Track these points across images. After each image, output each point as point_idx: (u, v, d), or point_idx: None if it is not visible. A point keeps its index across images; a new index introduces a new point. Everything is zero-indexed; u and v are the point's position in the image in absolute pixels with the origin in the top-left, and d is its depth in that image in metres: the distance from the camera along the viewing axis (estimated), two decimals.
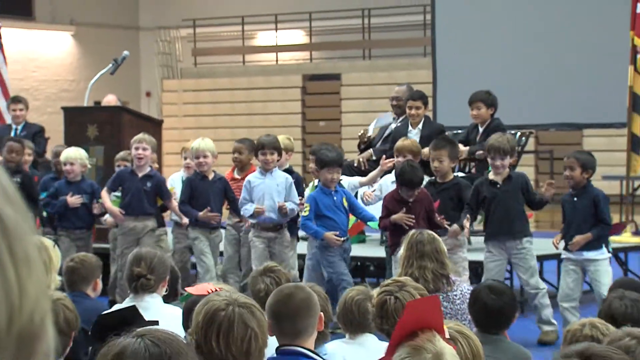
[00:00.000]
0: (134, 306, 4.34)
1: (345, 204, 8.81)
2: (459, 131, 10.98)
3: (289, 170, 9.64)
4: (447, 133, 10.74)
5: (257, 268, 6.35)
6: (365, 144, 11.03)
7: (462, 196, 8.60)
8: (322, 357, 4.16)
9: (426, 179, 9.65)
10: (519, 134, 11.68)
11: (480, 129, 10.23)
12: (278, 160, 9.18)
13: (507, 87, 12.75)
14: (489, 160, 8.65)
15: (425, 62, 18.43)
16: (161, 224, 9.82)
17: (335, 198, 8.79)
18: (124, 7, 25.16)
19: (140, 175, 9.53)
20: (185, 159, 10.28)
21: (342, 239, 8.73)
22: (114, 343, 2.54)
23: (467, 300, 5.82)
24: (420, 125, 10.44)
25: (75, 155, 9.83)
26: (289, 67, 23.31)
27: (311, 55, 23.78)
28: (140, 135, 9.59)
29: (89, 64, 22.89)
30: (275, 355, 4.23)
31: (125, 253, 8.95)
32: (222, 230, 9.82)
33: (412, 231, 6.33)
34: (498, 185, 8.51)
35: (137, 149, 9.50)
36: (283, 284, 5.43)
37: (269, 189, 9.07)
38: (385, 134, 11.01)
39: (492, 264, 8.56)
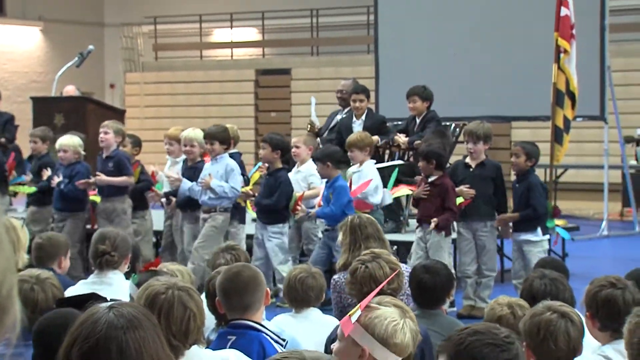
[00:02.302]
0: (93, 293, 4.29)
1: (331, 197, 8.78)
2: (399, 122, 11.02)
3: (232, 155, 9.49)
4: (388, 124, 10.79)
5: (219, 245, 6.29)
6: (314, 134, 11.05)
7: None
8: (268, 329, 4.17)
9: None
10: (453, 125, 11.76)
11: (418, 120, 10.30)
12: (227, 149, 9.07)
13: (443, 82, 12.81)
14: (465, 144, 8.74)
15: (369, 58, 18.45)
16: (143, 205, 9.78)
17: (324, 192, 8.87)
18: (90, 4, 24.89)
19: (104, 156, 9.52)
20: (167, 144, 10.06)
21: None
22: (88, 310, 2.50)
23: (405, 278, 5.87)
24: (363, 117, 10.50)
25: (68, 143, 9.71)
26: (243, 62, 23.23)
27: (264, 51, 23.72)
28: (106, 122, 9.57)
29: (56, 57, 22.62)
30: (222, 329, 4.23)
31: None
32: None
33: (349, 216, 6.33)
34: (471, 169, 8.56)
35: (100, 133, 9.47)
36: (242, 261, 5.44)
37: (213, 175, 8.99)
38: (332, 125, 11.06)
39: (463, 243, 8.62)
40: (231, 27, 23.34)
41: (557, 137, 9.84)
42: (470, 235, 8.57)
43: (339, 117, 11.03)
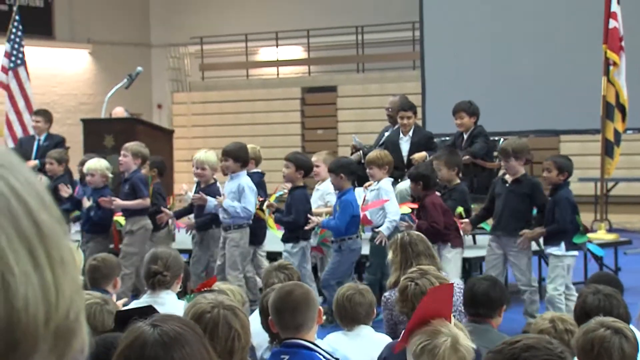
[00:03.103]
0: (150, 305, 4.34)
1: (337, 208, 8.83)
2: (447, 138, 10.98)
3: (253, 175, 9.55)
4: (435, 140, 10.76)
5: (272, 264, 6.31)
6: (357, 150, 11.08)
7: (460, 198, 8.66)
8: (321, 348, 4.16)
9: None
10: (501, 140, 11.69)
11: (465, 136, 10.26)
12: (243, 167, 9.05)
13: (490, 97, 12.76)
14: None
15: (414, 74, 18.43)
16: (156, 227, 9.82)
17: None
18: (137, 26, 25.16)
19: (123, 179, 9.65)
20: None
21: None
22: (132, 329, 2.53)
23: (456, 294, 5.84)
24: (410, 133, 10.48)
25: (95, 166, 9.79)
26: (289, 80, 23.31)
27: (309, 69, 23.79)
28: (127, 144, 9.66)
29: (105, 79, 22.89)
30: (275, 348, 4.23)
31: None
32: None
33: (399, 234, 6.32)
34: (507, 184, 8.53)
35: (120, 155, 9.66)
36: (295, 279, 5.45)
37: (228, 192, 9.06)
38: (381, 142, 11.07)
39: (491, 257, 8.58)
40: (277, 45, 23.44)
41: (608, 150, 9.75)
42: (501, 251, 8.53)
43: (387, 133, 11.04)
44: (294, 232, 8.94)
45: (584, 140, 16.79)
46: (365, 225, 8.97)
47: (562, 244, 8.27)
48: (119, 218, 9.92)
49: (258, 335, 4.61)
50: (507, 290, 5.35)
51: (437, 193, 8.71)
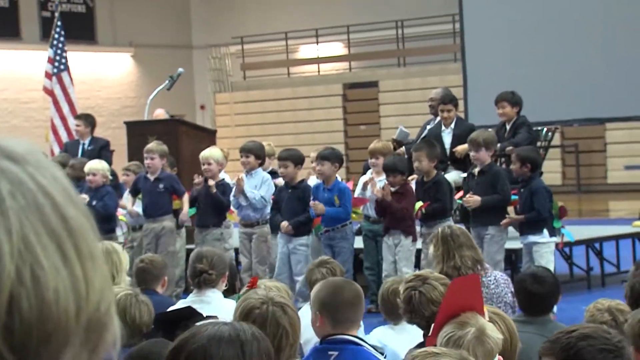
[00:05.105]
0: (189, 306, 4.36)
1: (337, 201, 8.89)
2: (489, 129, 10.91)
3: (273, 173, 9.84)
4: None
5: (313, 261, 6.37)
6: (400, 145, 11.08)
7: (439, 190, 8.67)
8: (368, 344, 4.15)
9: (461, 174, 9.65)
10: (545, 129, 11.60)
11: (507, 127, 10.19)
12: (261, 164, 9.42)
13: (533, 87, 12.66)
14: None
15: (456, 67, 18.35)
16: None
17: (325, 194, 8.96)
18: (178, 28, 25.32)
19: (152, 178, 9.71)
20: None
21: (325, 228, 8.93)
22: (199, 329, 2.54)
23: (501, 285, 5.80)
24: (452, 125, 10.44)
25: (97, 167, 10.07)
26: (330, 77, 23.33)
27: (350, 65, 23.78)
28: (149, 146, 9.86)
29: (147, 82, 23.06)
30: (321, 344, 4.21)
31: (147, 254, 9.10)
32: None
33: (440, 228, 6.30)
34: (475, 177, 8.63)
35: (146, 158, 9.79)
36: (338, 275, 5.44)
37: (248, 189, 9.28)
38: (423, 135, 11.03)
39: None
40: (317, 42, 23.46)
41: None
42: (478, 241, 8.56)
43: (429, 126, 11.00)
44: (306, 225, 9.08)
45: (630, 127, 16.62)
46: (359, 205, 9.23)
47: (545, 231, 8.38)
48: (122, 217, 10.20)
49: (307, 330, 4.60)
50: (559, 282, 5.30)
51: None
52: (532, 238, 8.42)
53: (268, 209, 9.37)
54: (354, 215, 9.31)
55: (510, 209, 8.96)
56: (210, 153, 9.70)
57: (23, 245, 0.78)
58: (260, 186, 9.31)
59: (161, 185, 9.74)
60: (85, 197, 9.73)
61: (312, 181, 9.73)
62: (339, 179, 9.30)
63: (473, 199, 8.46)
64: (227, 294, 5.62)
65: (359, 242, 9.42)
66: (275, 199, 9.30)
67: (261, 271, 9.06)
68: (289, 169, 9.17)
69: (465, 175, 9.40)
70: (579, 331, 2.70)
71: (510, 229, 8.81)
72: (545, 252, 8.34)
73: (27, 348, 0.77)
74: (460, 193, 9.11)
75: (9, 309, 0.76)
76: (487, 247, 8.41)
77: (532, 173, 8.49)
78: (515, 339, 3.57)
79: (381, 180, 9.26)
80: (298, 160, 9.26)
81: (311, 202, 8.91)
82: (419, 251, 8.81)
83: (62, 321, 0.78)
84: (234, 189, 9.45)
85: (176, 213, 9.99)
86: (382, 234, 9.00)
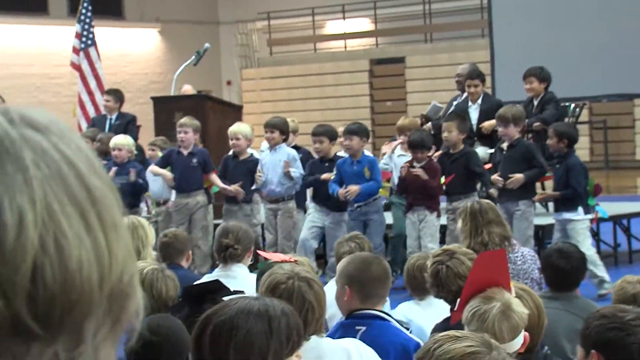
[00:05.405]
0: (217, 280, 4.38)
1: (367, 173, 8.86)
2: (517, 105, 10.85)
3: (295, 147, 9.92)
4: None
5: (343, 235, 6.41)
6: (427, 121, 11.06)
7: (469, 164, 8.62)
8: (394, 319, 4.15)
9: (488, 150, 9.62)
10: (573, 105, 11.53)
11: (535, 102, 10.13)
12: (285, 140, 9.46)
13: (561, 62, 12.56)
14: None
15: (483, 42, 18.23)
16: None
17: (354, 167, 8.87)
18: (205, 4, 25.31)
19: (185, 153, 9.72)
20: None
21: (356, 203, 8.89)
22: (229, 302, 2.56)
23: (528, 262, 5.79)
24: (479, 101, 10.41)
25: (122, 142, 10.05)
26: (356, 52, 23.26)
27: (377, 41, 23.70)
28: (182, 120, 9.85)
29: (174, 58, 23.09)
30: (348, 319, 4.21)
31: (179, 229, 9.10)
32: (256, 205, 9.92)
33: (468, 203, 6.29)
34: (503, 152, 8.57)
35: (179, 132, 9.75)
36: (366, 250, 5.44)
37: (273, 164, 9.33)
38: (450, 111, 11.00)
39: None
40: (344, 18, 23.39)
41: None
42: (506, 216, 8.52)
43: (456, 102, 10.96)
44: (340, 200, 9.13)
45: None
46: (383, 179, 9.29)
47: (580, 209, 8.32)
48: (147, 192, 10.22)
49: (332, 305, 4.60)
50: (585, 257, 5.27)
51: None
52: (566, 215, 8.38)
53: (298, 186, 9.44)
54: (381, 190, 9.31)
55: (538, 184, 8.93)
56: (239, 128, 9.73)
57: (47, 214, 0.78)
58: (294, 164, 9.33)
59: (194, 160, 9.74)
60: (114, 171, 9.77)
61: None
62: (366, 153, 9.31)
63: (516, 179, 8.37)
64: (252, 268, 5.64)
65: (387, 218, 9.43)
66: (311, 174, 9.34)
67: (287, 247, 9.09)
68: (324, 144, 9.23)
69: (491, 151, 9.37)
70: (599, 312, 2.71)
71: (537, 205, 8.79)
72: (580, 229, 8.30)
73: (51, 317, 0.77)
74: (488, 165, 9.12)
75: (33, 278, 0.76)
76: (517, 223, 8.38)
77: (569, 149, 8.42)
78: (542, 315, 3.56)
79: (406, 156, 9.27)
80: (333, 135, 9.33)
81: (342, 191, 8.86)
82: (443, 227, 8.80)
83: (86, 291, 0.79)
84: (259, 165, 9.46)
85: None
86: (404, 210, 9.01)
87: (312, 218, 9.24)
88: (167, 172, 9.81)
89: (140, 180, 9.84)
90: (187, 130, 9.71)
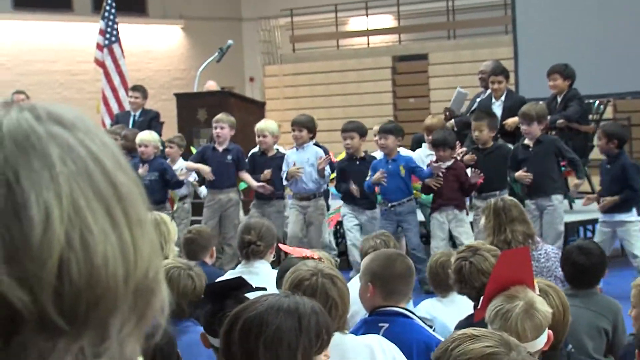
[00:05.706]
0: (240, 276, 4.40)
1: (403, 171, 8.85)
2: (540, 102, 10.80)
3: (316, 145, 9.89)
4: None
5: (370, 234, 6.45)
6: (449, 118, 11.02)
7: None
8: (417, 316, 4.14)
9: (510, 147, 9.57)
10: (597, 102, 11.47)
11: (559, 99, 10.09)
12: (312, 138, 9.44)
13: (585, 59, 12.49)
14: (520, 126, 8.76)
15: (507, 39, 18.15)
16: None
17: (389, 166, 8.85)
18: (228, 1, 25.34)
19: (221, 149, 9.71)
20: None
21: (390, 203, 8.92)
22: (259, 299, 2.56)
23: (551, 259, 5.76)
24: (502, 98, 10.38)
25: (149, 138, 9.99)
26: (379, 49, 23.21)
27: (400, 37, 23.64)
28: (219, 116, 9.84)
29: (197, 54, 23.12)
30: (371, 316, 4.20)
31: (209, 225, 9.09)
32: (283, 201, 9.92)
33: (492, 200, 6.27)
34: (530, 149, 8.52)
35: (215, 128, 9.71)
36: (391, 246, 5.44)
37: (300, 162, 9.32)
38: (473, 107, 10.97)
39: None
40: (366, 14, 23.35)
41: None
42: (538, 212, 8.46)
43: (479, 99, 10.93)
44: (370, 199, 9.17)
45: None
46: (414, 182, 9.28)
47: (634, 209, 8.17)
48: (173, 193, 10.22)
49: (355, 303, 4.60)
50: (606, 255, 5.25)
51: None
52: (619, 217, 8.13)
53: (325, 185, 9.48)
54: (415, 192, 9.29)
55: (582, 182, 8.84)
56: (266, 125, 9.73)
57: (73, 210, 0.78)
58: (315, 161, 9.30)
59: (229, 157, 9.72)
60: (146, 168, 9.76)
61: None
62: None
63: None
64: (274, 265, 5.64)
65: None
66: (341, 170, 9.34)
67: (318, 243, 9.11)
68: (354, 140, 9.21)
69: (513, 147, 9.35)
70: None
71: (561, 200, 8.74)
72: (634, 231, 8.08)
73: (77, 313, 0.78)
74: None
75: (59, 274, 0.77)
76: (549, 219, 8.34)
77: (619, 149, 8.25)
78: (567, 312, 3.55)
79: (430, 154, 9.28)
80: (363, 131, 9.32)
81: (377, 175, 8.85)
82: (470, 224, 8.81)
83: (111, 286, 0.79)
84: (283, 164, 9.46)
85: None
86: (430, 212, 9.01)
87: (349, 218, 9.23)
88: (204, 167, 9.75)
89: (167, 177, 9.83)
90: (224, 126, 9.70)
